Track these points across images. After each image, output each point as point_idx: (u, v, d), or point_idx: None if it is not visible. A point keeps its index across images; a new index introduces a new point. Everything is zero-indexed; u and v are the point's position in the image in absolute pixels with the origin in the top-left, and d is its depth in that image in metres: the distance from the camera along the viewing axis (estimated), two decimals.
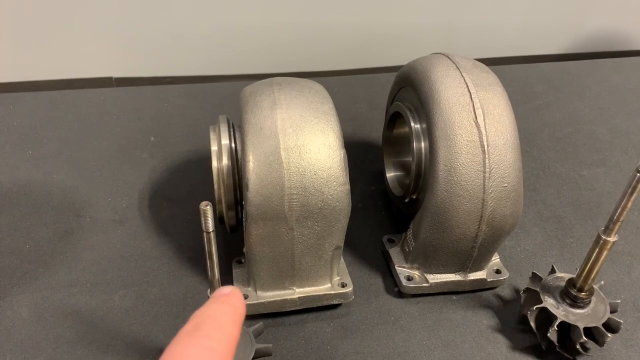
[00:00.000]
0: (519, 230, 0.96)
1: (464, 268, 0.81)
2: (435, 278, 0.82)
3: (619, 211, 0.65)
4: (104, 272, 0.85)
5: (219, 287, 0.62)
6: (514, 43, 1.63)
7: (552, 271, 0.80)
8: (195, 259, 0.88)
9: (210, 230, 0.56)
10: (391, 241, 0.89)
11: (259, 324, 0.72)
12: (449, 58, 0.81)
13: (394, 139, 0.97)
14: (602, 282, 0.79)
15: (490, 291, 0.85)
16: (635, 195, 0.64)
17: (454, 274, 0.82)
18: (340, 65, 1.49)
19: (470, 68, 0.79)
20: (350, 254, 0.91)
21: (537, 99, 1.32)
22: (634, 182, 0.63)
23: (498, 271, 0.84)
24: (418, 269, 0.83)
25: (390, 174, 0.97)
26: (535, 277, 0.79)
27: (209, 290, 0.63)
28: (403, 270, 0.83)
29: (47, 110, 1.19)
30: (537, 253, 0.92)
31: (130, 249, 0.89)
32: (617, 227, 0.67)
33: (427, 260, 0.81)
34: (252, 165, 0.72)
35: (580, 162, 1.13)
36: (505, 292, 0.85)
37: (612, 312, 0.76)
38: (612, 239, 0.68)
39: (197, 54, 1.45)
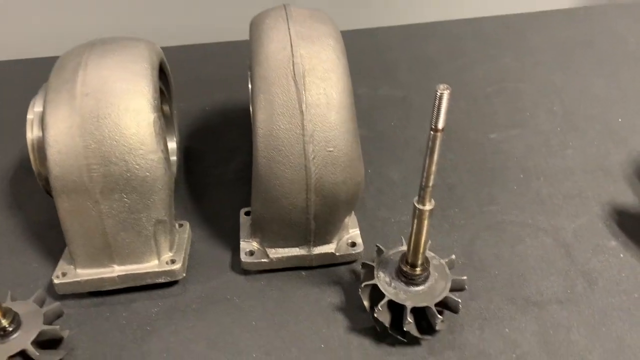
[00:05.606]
0: (399, 199, 0.88)
1: (306, 242, 0.74)
2: (277, 253, 0.75)
3: (425, 176, 0.57)
4: None
5: None
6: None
7: (402, 244, 0.72)
8: (39, 234, 0.83)
9: None
10: (248, 214, 0.82)
11: (55, 304, 0.67)
12: (285, 9, 0.73)
13: None
14: (453, 256, 0.70)
15: (346, 266, 0.77)
16: (436, 156, 0.55)
17: (297, 248, 0.75)
18: None
19: (302, 19, 0.71)
20: (209, 227, 0.85)
21: (464, 56, 1.21)
22: (430, 143, 0.54)
23: (353, 244, 0.77)
24: (260, 243, 0.76)
25: None
26: (379, 252, 0.71)
27: None
28: (247, 245, 0.77)
29: None
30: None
31: None
32: (428, 194, 0.58)
33: (265, 234, 0.74)
34: (50, 134, 0.66)
35: (494, 124, 1.02)
36: None
37: (457, 289, 0.68)
38: (427, 207, 0.59)
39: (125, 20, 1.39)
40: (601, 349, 0.66)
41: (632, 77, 1.12)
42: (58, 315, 0.67)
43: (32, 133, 0.72)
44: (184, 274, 0.74)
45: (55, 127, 0.66)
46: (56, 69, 0.70)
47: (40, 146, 0.71)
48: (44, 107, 0.67)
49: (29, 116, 0.73)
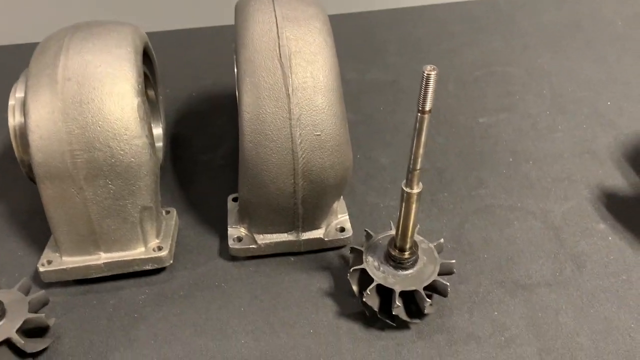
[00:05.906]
0: (388, 184, 0.87)
1: (294, 227, 0.73)
2: (265, 238, 0.74)
3: (412, 159, 0.56)
4: None
5: None
6: None
7: (391, 229, 0.72)
8: (24, 222, 0.82)
9: None
10: (236, 200, 0.81)
11: (40, 293, 0.66)
12: None
13: None
14: (442, 240, 0.70)
15: (335, 251, 0.77)
16: (423, 138, 0.54)
17: (285, 234, 0.74)
18: None
19: (288, 1, 0.70)
20: (196, 213, 0.84)
21: (453, 40, 1.20)
22: (417, 125, 0.54)
23: (342, 229, 0.76)
24: (248, 229, 0.75)
25: None
26: (368, 236, 0.71)
27: None
28: (234, 231, 0.76)
29: None
30: None
31: None
32: (416, 177, 0.58)
33: (253, 220, 0.74)
34: (31, 119, 0.65)
35: (483, 108, 1.02)
36: None
37: (446, 273, 0.67)
38: (415, 190, 0.59)
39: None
40: (589, 331, 0.66)
41: (619, 59, 1.12)
42: (44, 304, 0.66)
43: (14, 119, 0.70)
44: (171, 261, 0.74)
45: (37, 113, 0.64)
46: (37, 54, 0.68)
47: (23, 132, 0.70)
48: (25, 93, 0.66)
49: (11, 102, 0.71)
